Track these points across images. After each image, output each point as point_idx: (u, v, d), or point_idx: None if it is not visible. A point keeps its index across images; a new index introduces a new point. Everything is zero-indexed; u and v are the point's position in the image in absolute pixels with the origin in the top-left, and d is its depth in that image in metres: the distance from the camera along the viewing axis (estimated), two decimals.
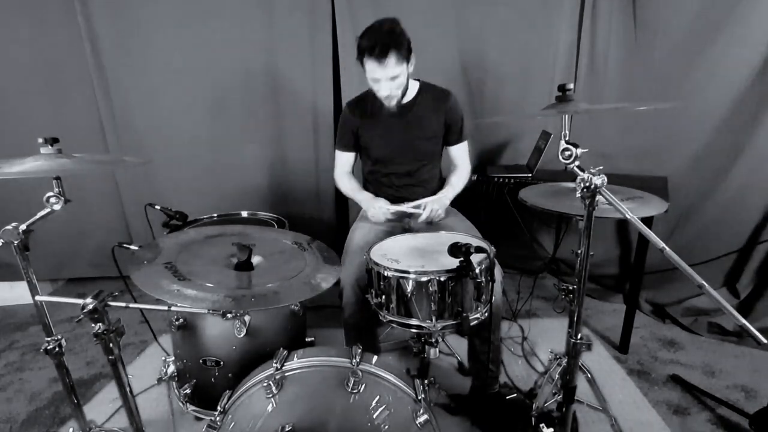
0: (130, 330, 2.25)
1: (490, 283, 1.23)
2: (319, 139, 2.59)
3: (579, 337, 1.14)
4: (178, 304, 0.94)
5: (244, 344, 1.34)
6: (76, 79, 2.44)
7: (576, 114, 1.47)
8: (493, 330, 1.58)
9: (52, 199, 1.03)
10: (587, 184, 0.97)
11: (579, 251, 1.08)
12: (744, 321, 0.81)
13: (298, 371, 1.03)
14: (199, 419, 1.47)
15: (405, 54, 1.52)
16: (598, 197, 1.00)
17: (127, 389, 1.06)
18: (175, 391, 1.45)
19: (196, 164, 2.60)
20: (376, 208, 1.68)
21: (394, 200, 1.81)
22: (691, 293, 2.31)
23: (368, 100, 1.77)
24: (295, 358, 1.06)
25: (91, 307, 0.92)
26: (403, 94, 1.67)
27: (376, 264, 1.19)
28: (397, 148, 1.76)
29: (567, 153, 0.99)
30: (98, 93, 2.46)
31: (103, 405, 1.76)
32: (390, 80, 1.54)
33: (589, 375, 1.44)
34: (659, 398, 1.74)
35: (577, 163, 0.99)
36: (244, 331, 1.32)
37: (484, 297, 1.18)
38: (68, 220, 2.59)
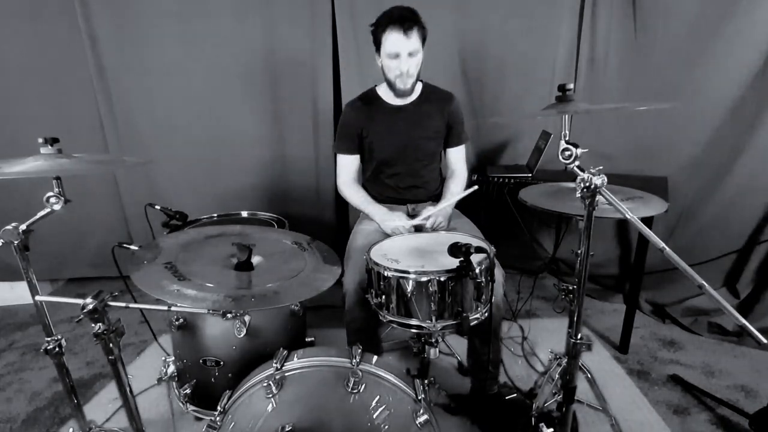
0: (130, 330, 2.25)
1: (490, 283, 1.22)
2: (319, 139, 2.59)
3: (579, 337, 1.14)
4: (178, 304, 0.93)
5: (244, 344, 1.34)
6: (76, 79, 2.45)
7: (576, 114, 1.47)
8: (494, 330, 1.58)
9: (52, 199, 1.03)
10: (587, 184, 0.97)
11: (579, 251, 1.08)
12: (744, 321, 0.81)
13: (298, 371, 1.03)
14: (199, 419, 1.47)
15: (423, 37, 1.55)
16: (598, 197, 1.00)
17: (127, 389, 1.06)
18: (175, 391, 1.45)
19: (196, 164, 2.60)
20: (397, 225, 1.60)
21: (396, 202, 1.81)
22: (691, 293, 2.31)
23: (370, 99, 1.78)
24: (295, 358, 1.06)
25: (91, 307, 0.92)
26: (413, 87, 1.66)
27: (376, 264, 1.19)
28: (401, 147, 1.75)
29: (567, 153, 0.99)
30: (98, 93, 2.47)
31: (103, 405, 1.76)
32: (410, 56, 1.54)
33: (589, 375, 1.44)
34: (659, 398, 1.74)
35: (577, 163, 0.99)
36: (244, 331, 1.32)
37: (484, 297, 1.18)
38: (68, 220, 2.59)
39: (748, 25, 2.08)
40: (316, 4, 2.36)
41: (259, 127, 2.57)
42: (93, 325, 0.95)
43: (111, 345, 0.98)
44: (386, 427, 0.95)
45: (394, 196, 1.82)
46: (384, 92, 1.78)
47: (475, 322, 1.17)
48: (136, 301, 1.04)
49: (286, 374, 1.02)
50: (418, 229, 1.61)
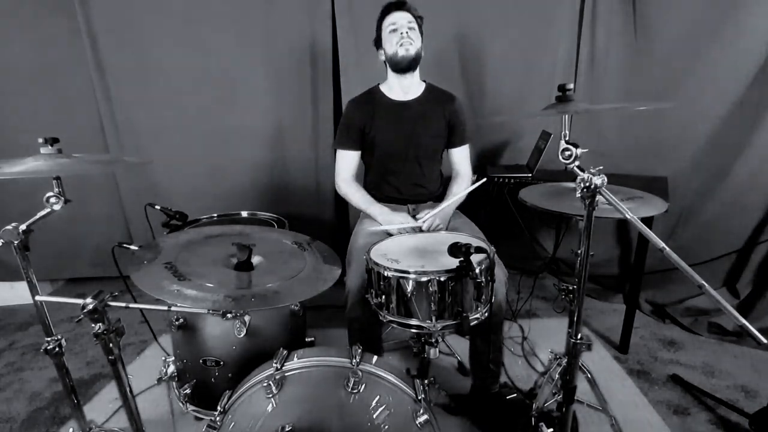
0: (130, 330, 2.25)
1: (491, 283, 1.23)
2: (319, 139, 2.59)
3: (579, 337, 1.14)
4: (178, 304, 0.93)
5: (244, 344, 1.34)
6: (76, 79, 2.45)
7: (576, 114, 1.47)
8: (496, 330, 1.59)
9: (52, 199, 1.03)
10: (587, 184, 0.97)
11: (579, 251, 1.08)
12: (744, 321, 0.81)
13: (298, 371, 1.03)
14: (199, 419, 1.47)
15: (419, 21, 1.70)
16: (598, 197, 1.00)
17: (127, 389, 1.05)
18: (175, 391, 1.45)
19: (196, 164, 2.60)
20: (401, 220, 1.61)
21: (397, 202, 1.81)
22: (691, 293, 2.31)
23: (373, 96, 1.80)
24: (295, 358, 1.06)
25: (91, 307, 0.92)
26: (416, 57, 1.68)
27: (376, 264, 1.19)
28: (404, 142, 1.76)
29: (567, 153, 0.99)
30: (98, 93, 2.46)
31: (103, 405, 1.76)
32: (409, 28, 1.65)
33: (589, 375, 1.43)
34: (659, 398, 1.74)
35: (577, 163, 0.99)
36: (244, 331, 1.31)
37: (484, 297, 1.18)
38: (68, 220, 2.58)
39: (747, 25, 2.08)
40: (316, 4, 2.36)
41: (259, 127, 2.57)
42: (93, 325, 0.95)
43: (111, 345, 0.98)
44: (386, 427, 0.95)
45: (395, 196, 1.83)
46: (386, 89, 1.79)
47: (475, 322, 1.17)
48: (136, 301, 1.05)
49: (286, 374, 1.02)
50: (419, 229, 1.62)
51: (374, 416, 0.95)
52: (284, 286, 1.05)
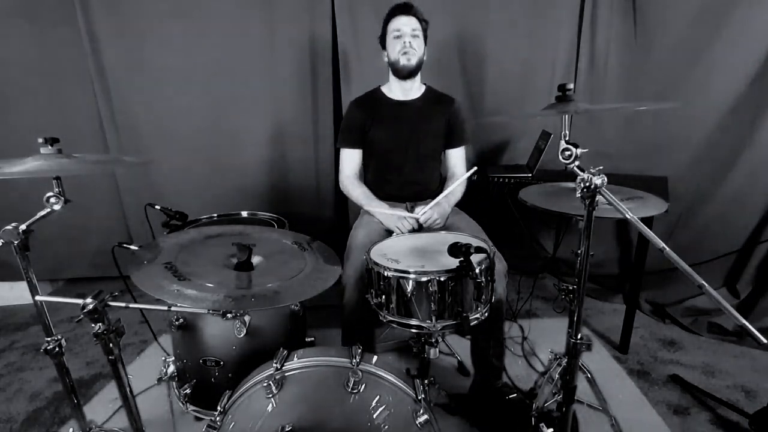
0: (130, 330, 2.25)
1: (491, 283, 1.23)
2: (319, 139, 2.59)
3: (579, 337, 1.14)
4: (178, 304, 0.93)
5: (244, 344, 1.34)
6: (76, 79, 2.45)
7: (576, 114, 1.47)
8: (497, 325, 1.60)
9: (52, 199, 1.03)
10: (587, 184, 0.97)
11: (579, 251, 1.08)
12: (744, 321, 0.81)
13: (298, 371, 1.03)
14: (199, 419, 1.47)
15: (424, 26, 1.72)
16: (598, 197, 1.00)
17: (127, 389, 1.06)
18: (175, 391, 1.45)
19: (196, 164, 2.60)
20: (401, 215, 1.64)
21: (396, 200, 1.82)
22: (691, 293, 2.31)
23: (374, 96, 1.84)
24: (295, 358, 1.06)
25: (91, 307, 0.92)
26: (417, 67, 1.72)
27: (376, 264, 1.19)
28: (404, 140, 1.79)
29: (567, 153, 0.99)
30: (98, 93, 2.47)
31: (103, 405, 1.76)
32: (413, 36, 1.68)
33: (589, 375, 1.43)
34: (659, 398, 1.74)
35: (577, 163, 0.99)
36: (244, 331, 1.31)
37: (484, 297, 1.18)
38: (68, 220, 2.58)
39: (747, 25, 2.08)
40: (316, 4, 2.36)
41: (259, 127, 2.57)
42: (93, 325, 0.95)
43: (111, 345, 0.98)
44: (386, 427, 0.95)
45: (395, 194, 1.84)
46: (387, 90, 1.83)
47: (475, 322, 1.17)
48: (136, 301, 1.04)
49: (286, 374, 1.02)
50: (420, 227, 1.62)
51: (374, 416, 0.95)
52: (284, 286, 1.05)
